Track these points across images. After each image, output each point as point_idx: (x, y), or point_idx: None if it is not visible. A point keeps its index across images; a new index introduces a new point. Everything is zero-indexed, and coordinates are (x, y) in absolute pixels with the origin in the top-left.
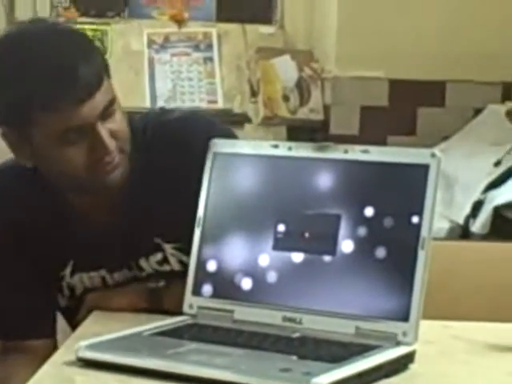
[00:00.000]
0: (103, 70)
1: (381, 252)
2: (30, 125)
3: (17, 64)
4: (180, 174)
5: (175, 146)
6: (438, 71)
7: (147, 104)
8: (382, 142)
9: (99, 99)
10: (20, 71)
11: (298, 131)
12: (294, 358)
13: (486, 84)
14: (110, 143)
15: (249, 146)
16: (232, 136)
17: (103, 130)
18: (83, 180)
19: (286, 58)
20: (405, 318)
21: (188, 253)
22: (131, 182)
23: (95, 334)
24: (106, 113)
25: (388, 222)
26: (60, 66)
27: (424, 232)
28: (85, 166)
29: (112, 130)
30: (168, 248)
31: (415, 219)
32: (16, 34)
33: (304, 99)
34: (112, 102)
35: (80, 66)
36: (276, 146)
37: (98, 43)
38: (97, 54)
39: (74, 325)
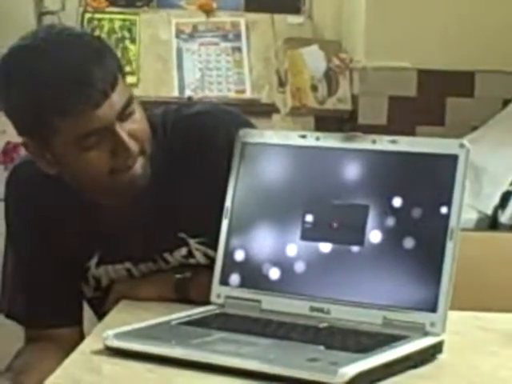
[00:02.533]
0: (117, 71)
1: (409, 242)
2: (50, 133)
3: (31, 74)
4: (202, 169)
5: (196, 140)
6: (466, 61)
7: (175, 93)
8: (410, 133)
9: (116, 100)
10: (35, 81)
11: (326, 121)
12: (322, 347)
13: None
14: (131, 144)
15: (277, 136)
16: (251, 126)
17: (122, 131)
18: (106, 184)
19: (315, 48)
20: (433, 308)
21: (213, 247)
22: (154, 178)
23: (123, 322)
24: (125, 113)
25: (416, 212)
26: (74, 72)
27: (452, 223)
28: (107, 170)
29: (132, 131)
30: (193, 243)
31: (444, 210)
32: (28, 44)
33: (332, 89)
34: (129, 101)
35: (93, 69)
36: (304, 137)
37: (126, 33)
38: (109, 55)
39: (100, 315)
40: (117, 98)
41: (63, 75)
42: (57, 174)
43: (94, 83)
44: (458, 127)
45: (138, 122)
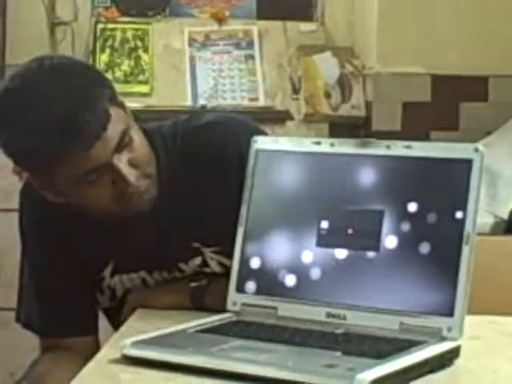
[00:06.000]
0: (109, 105)
1: (425, 247)
2: (49, 175)
3: (18, 123)
4: (213, 180)
5: (206, 151)
6: (480, 66)
7: (189, 102)
8: (424, 138)
9: (110, 135)
10: (22, 130)
11: (339, 128)
12: (338, 354)
13: None
14: (130, 175)
15: (291, 142)
16: (262, 134)
17: (120, 163)
18: (113, 211)
19: (327, 54)
20: (450, 313)
21: (228, 255)
22: (167, 189)
23: (139, 331)
24: (122, 144)
25: (431, 217)
26: (61, 117)
27: (468, 227)
28: (111, 201)
29: (131, 159)
30: (207, 252)
31: (459, 214)
32: (15, 88)
33: (345, 96)
34: (126, 130)
35: (81, 112)
36: (318, 143)
37: (139, 42)
38: (100, 90)
39: (116, 324)
40: (111, 134)
41: (50, 125)
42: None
43: (84, 129)
44: (473, 132)
45: (136, 149)
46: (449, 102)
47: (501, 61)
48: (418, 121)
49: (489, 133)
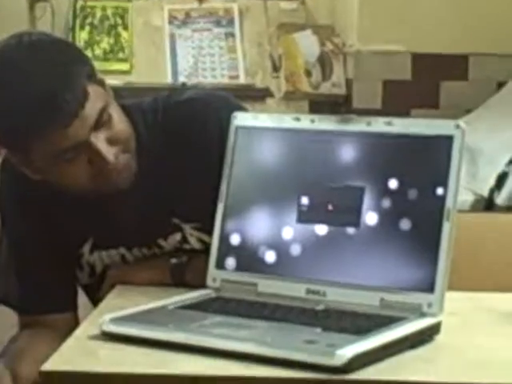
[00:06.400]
0: (87, 82)
1: (405, 224)
2: (27, 152)
3: None
4: (194, 155)
5: (187, 126)
6: (460, 44)
7: (169, 80)
8: (405, 116)
9: (88, 113)
10: (1, 104)
11: (320, 106)
12: (319, 330)
13: (510, 57)
14: (109, 153)
15: (271, 119)
16: (243, 110)
17: (99, 142)
18: (91, 189)
19: (308, 32)
20: (430, 289)
21: (208, 232)
22: (146, 165)
23: (119, 307)
24: (101, 122)
25: (412, 193)
26: (40, 95)
27: (449, 203)
28: (89, 178)
29: (110, 137)
30: (187, 228)
31: (440, 191)
32: None
33: (326, 74)
34: (104, 108)
35: (59, 90)
36: (298, 119)
37: (119, 20)
38: (78, 65)
39: (95, 301)
40: (89, 112)
41: (28, 102)
42: (41, 179)
43: (62, 106)
44: (453, 110)
45: (115, 126)
46: (429, 80)
47: (481, 39)
48: (399, 99)
49: (469, 111)
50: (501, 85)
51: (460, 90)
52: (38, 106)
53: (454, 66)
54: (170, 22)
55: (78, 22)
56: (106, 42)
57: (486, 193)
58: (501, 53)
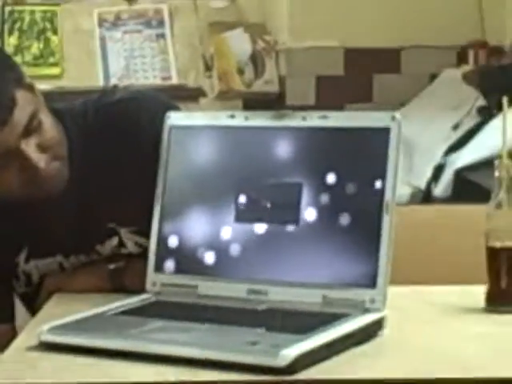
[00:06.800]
0: (15, 88)
1: (345, 219)
2: None
3: None
4: (127, 157)
5: (119, 127)
6: (392, 38)
7: (100, 83)
8: (338, 111)
9: (17, 119)
10: None
11: (254, 104)
12: (262, 330)
13: (441, 49)
14: (40, 159)
15: (205, 117)
16: (176, 109)
17: (29, 149)
18: (23, 196)
19: (239, 31)
20: (372, 284)
21: (145, 235)
22: (79, 169)
23: (57, 316)
24: (31, 128)
25: (350, 188)
26: None
27: (388, 196)
28: (20, 186)
29: (40, 143)
30: (123, 232)
31: (378, 184)
32: None
33: (259, 72)
34: (34, 114)
35: None
36: (233, 116)
37: (48, 24)
38: (4, 71)
39: (33, 310)
40: (18, 119)
41: None
42: None
43: None
44: (386, 103)
45: (46, 132)
46: (362, 74)
47: (412, 32)
48: (332, 94)
49: (402, 104)
50: (433, 77)
51: (393, 84)
52: None
53: (387, 59)
54: (100, 25)
55: (6, 27)
56: (35, 47)
57: (423, 185)
58: (432, 45)
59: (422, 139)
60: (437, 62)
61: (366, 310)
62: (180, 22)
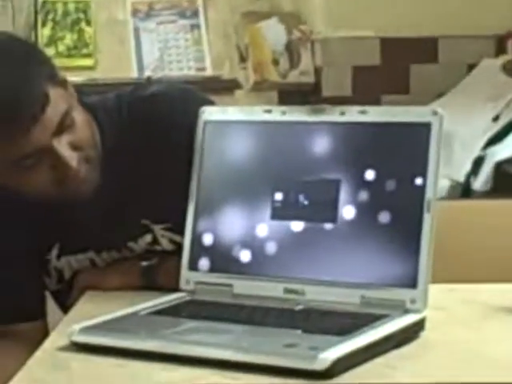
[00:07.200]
0: (48, 85)
1: (384, 217)
2: None
3: None
4: (161, 153)
5: (153, 123)
6: (429, 27)
7: (134, 74)
8: (375, 102)
9: (49, 117)
10: None
11: (289, 95)
12: (299, 332)
13: (479, 38)
14: (72, 159)
15: (240, 112)
16: (211, 104)
17: (61, 147)
18: (53, 196)
19: (274, 21)
20: (413, 284)
21: (179, 232)
22: (112, 166)
23: (89, 315)
24: (63, 126)
25: (390, 185)
26: None
27: (429, 194)
28: (51, 185)
29: (72, 142)
30: (157, 229)
31: (419, 181)
32: None
33: (294, 62)
34: (68, 111)
35: (17, 95)
36: (269, 111)
37: (81, 15)
38: (38, 67)
39: (65, 307)
40: (51, 116)
41: None
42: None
43: (20, 112)
44: (424, 94)
45: (79, 131)
46: (399, 64)
47: (450, 21)
48: (369, 85)
49: (440, 95)
50: (471, 67)
51: (430, 74)
52: None
53: (424, 49)
54: (134, 15)
55: (39, 18)
56: (69, 38)
57: (462, 178)
58: (470, 34)
59: (461, 131)
60: (475, 51)
61: (406, 311)
62: (214, 12)
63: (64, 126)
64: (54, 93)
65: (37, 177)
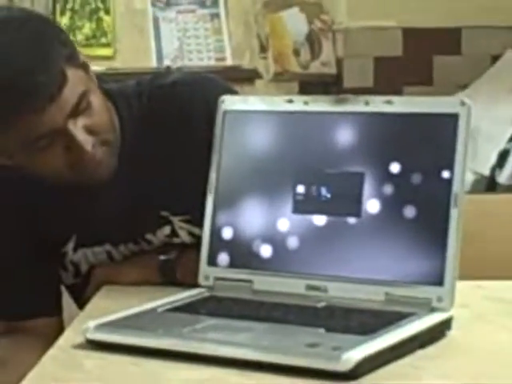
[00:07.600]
0: (66, 65)
1: (410, 211)
2: None
3: None
4: (181, 142)
5: (173, 112)
6: (452, 18)
7: (153, 64)
8: (397, 94)
9: (66, 98)
10: None
11: (310, 86)
12: (321, 330)
13: (503, 28)
14: (87, 142)
15: (261, 101)
16: (233, 93)
17: (76, 130)
18: (68, 179)
19: (295, 10)
20: (439, 281)
21: (199, 224)
22: (130, 154)
23: (106, 310)
24: (79, 108)
25: (416, 178)
26: (14, 75)
27: (456, 188)
28: (65, 168)
29: (88, 125)
30: (176, 221)
31: (446, 174)
32: None
33: (315, 53)
34: (85, 93)
35: (33, 72)
36: (291, 101)
37: (100, 4)
38: (57, 46)
39: (81, 303)
40: (67, 97)
41: (3, 81)
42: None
43: (36, 89)
44: (447, 86)
45: (95, 115)
46: (421, 55)
47: (473, 12)
48: (391, 76)
49: (463, 86)
50: (495, 58)
51: (453, 65)
52: (8, 89)
53: (447, 39)
54: (153, 5)
55: (58, 7)
56: (87, 27)
57: (486, 172)
58: (494, 25)
59: (486, 124)
60: (499, 42)
61: (433, 309)
62: (234, 0)
63: (80, 108)
64: (73, 74)
65: (51, 159)
